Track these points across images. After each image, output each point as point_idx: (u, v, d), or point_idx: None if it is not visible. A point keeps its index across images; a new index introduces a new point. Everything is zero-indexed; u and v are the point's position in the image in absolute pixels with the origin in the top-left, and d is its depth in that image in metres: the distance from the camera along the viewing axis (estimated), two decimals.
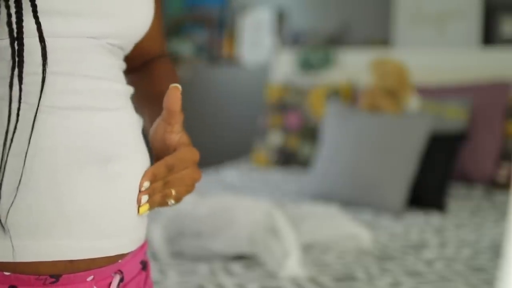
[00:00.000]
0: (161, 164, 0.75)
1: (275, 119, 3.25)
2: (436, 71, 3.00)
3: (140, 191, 0.74)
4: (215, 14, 4.06)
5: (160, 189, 0.76)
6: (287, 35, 3.78)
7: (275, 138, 3.21)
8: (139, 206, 0.74)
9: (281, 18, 3.82)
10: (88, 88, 0.72)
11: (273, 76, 3.54)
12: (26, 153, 0.67)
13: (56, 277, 0.69)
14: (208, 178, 2.91)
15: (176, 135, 0.77)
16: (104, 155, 0.72)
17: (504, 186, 2.64)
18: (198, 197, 1.91)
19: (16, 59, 0.67)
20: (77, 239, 0.69)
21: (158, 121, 0.78)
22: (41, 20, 0.68)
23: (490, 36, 3.21)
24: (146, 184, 0.74)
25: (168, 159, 0.75)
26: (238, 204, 1.84)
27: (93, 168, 0.70)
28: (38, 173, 0.67)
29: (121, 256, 0.75)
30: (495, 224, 2.16)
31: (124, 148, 0.74)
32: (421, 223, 2.18)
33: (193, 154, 0.77)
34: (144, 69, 0.92)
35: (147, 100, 0.86)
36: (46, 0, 0.68)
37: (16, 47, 0.66)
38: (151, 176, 0.74)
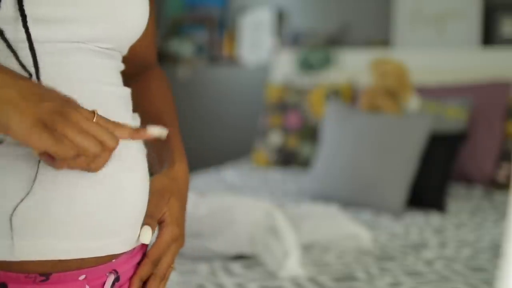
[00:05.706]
0: (144, 264, 0.79)
1: (275, 119, 3.25)
2: (436, 71, 3.00)
3: None
4: (215, 14, 4.06)
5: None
6: (287, 35, 3.78)
7: (275, 138, 3.21)
8: None
9: (281, 18, 3.81)
10: (73, 91, 0.69)
11: (273, 76, 3.54)
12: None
13: (46, 275, 0.69)
14: (209, 178, 2.91)
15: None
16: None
17: (504, 186, 2.64)
18: (198, 197, 1.90)
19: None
20: (63, 239, 0.69)
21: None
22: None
23: (490, 36, 3.21)
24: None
25: (150, 253, 0.80)
26: (238, 204, 1.84)
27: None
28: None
29: (114, 256, 0.75)
30: (495, 224, 2.16)
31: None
32: (421, 223, 2.18)
33: (175, 236, 0.82)
34: (138, 83, 0.88)
35: (141, 117, 0.85)
36: (28, 6, 0.67)
37: None
38: (139, 283, 0.79)
